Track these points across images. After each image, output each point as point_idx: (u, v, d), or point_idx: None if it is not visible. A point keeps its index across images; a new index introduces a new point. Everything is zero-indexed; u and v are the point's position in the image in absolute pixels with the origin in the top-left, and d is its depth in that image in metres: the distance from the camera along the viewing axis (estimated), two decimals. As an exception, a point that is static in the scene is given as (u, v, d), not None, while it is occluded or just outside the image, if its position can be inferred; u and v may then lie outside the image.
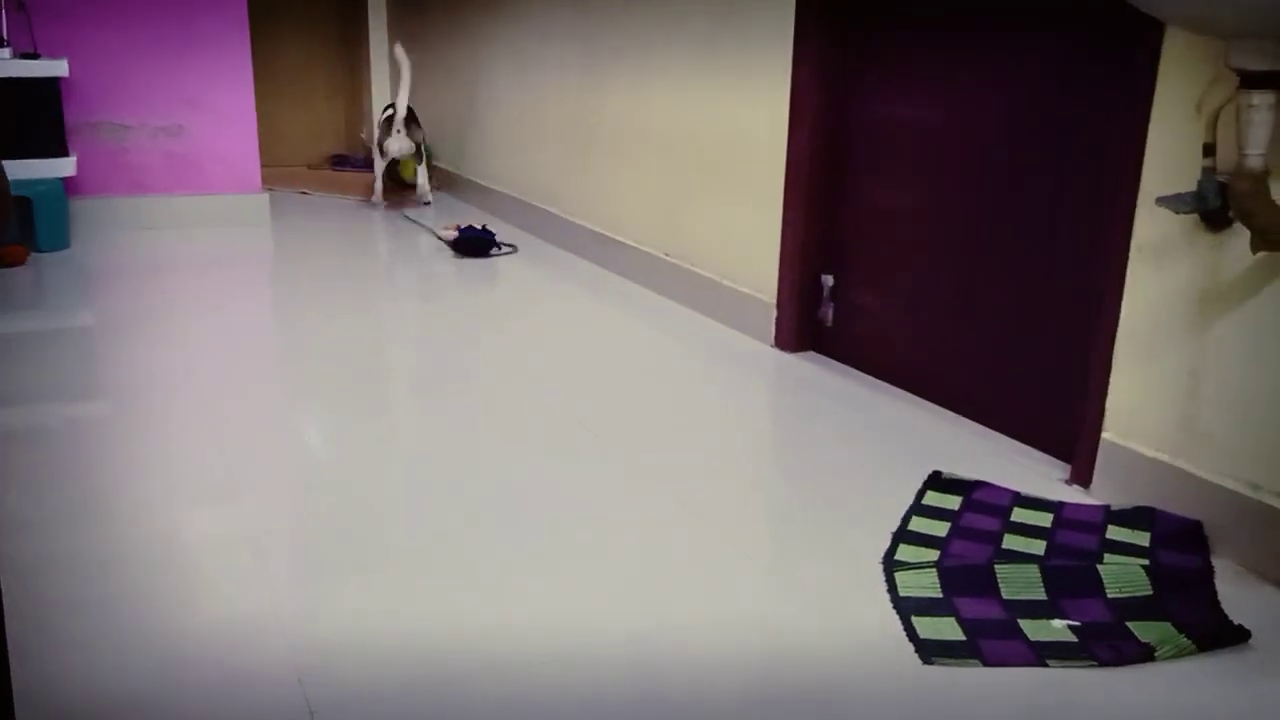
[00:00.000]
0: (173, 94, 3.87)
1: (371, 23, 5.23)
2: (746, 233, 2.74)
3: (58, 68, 3.34)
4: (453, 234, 3.75)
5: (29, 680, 1.21)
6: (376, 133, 4.75)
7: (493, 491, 1.82)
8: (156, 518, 1.67)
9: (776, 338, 2.67)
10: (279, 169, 5.13)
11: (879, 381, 2.47)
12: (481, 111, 4.38)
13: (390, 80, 5.14)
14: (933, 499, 1.85)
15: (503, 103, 4.15)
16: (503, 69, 4.11)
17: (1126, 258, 1.79)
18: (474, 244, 3.73)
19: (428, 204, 3.79)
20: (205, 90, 3.92)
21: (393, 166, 4.95)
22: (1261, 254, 1.56)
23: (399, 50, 4.59)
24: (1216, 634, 1.41)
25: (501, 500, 1.78)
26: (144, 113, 3.84)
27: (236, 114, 3.99)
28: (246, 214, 4.05)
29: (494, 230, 3.90)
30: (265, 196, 4.11)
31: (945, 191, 2.27)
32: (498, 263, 3.59)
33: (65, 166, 3.44)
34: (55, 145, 3.42)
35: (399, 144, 4.77)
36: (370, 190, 4.75)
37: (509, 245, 3.78)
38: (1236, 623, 1.43)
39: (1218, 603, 1.50)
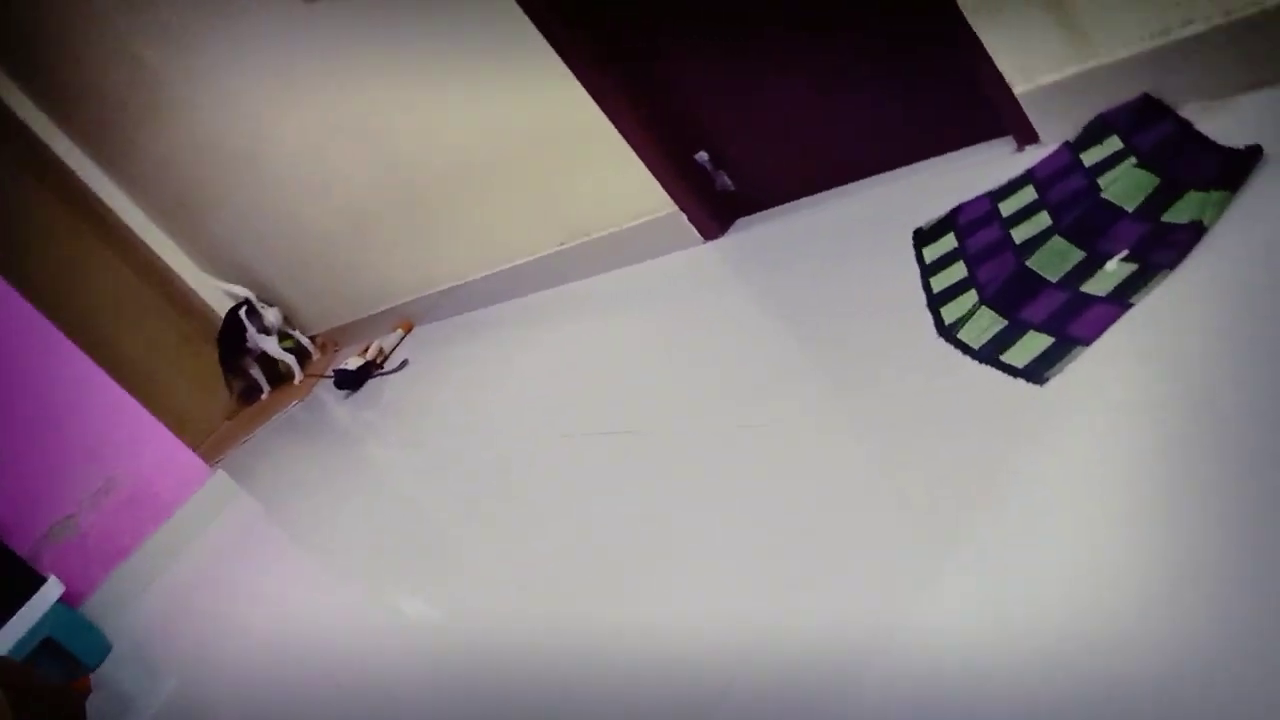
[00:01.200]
0: (75, 454, 3.81)
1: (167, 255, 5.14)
2: (607, 172, 2.73)
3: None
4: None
5: None
6: (249, 328, 4.70)
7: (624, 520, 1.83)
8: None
9: (701, 233, 2.67)
10: (211, 442, 5.06)
11: (811, 197, 2.48)
12: (295, 243, 4.32)
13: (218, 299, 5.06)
14: (931, 252, 1.87)
15: (305, 222, 4.10)
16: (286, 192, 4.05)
17: (916, -55, 1.79)
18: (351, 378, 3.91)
19: (404, 365, 3.78)
20: (97, 430, 3.86)
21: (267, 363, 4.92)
22: None
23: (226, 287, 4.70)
24: (1236, 168, 1.44)
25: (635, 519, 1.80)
26: (73, 492, 3.79)
27: (138, 433, 3.94)
28: (216, 501, 4.01)
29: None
30: (220, 475, 4.07)
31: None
32: (458, 370, 3.57)
33: (53, 590, 3.40)
34: (30, 583, 3.37)
35: (273, 314, 4.72)
36: (298, 390, 4.69)
37: (395, 365, 3.84)
38: (1243, 146, 1.46)
39: (1216, 144, 1.53)
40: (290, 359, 4.77)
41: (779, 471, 1.64)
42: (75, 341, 3.93)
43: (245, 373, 5.00)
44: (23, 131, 4.79)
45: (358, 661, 2.15)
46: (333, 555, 2.83)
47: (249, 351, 4.84)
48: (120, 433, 3.90)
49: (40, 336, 3.81)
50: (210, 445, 4.91)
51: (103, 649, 3.45)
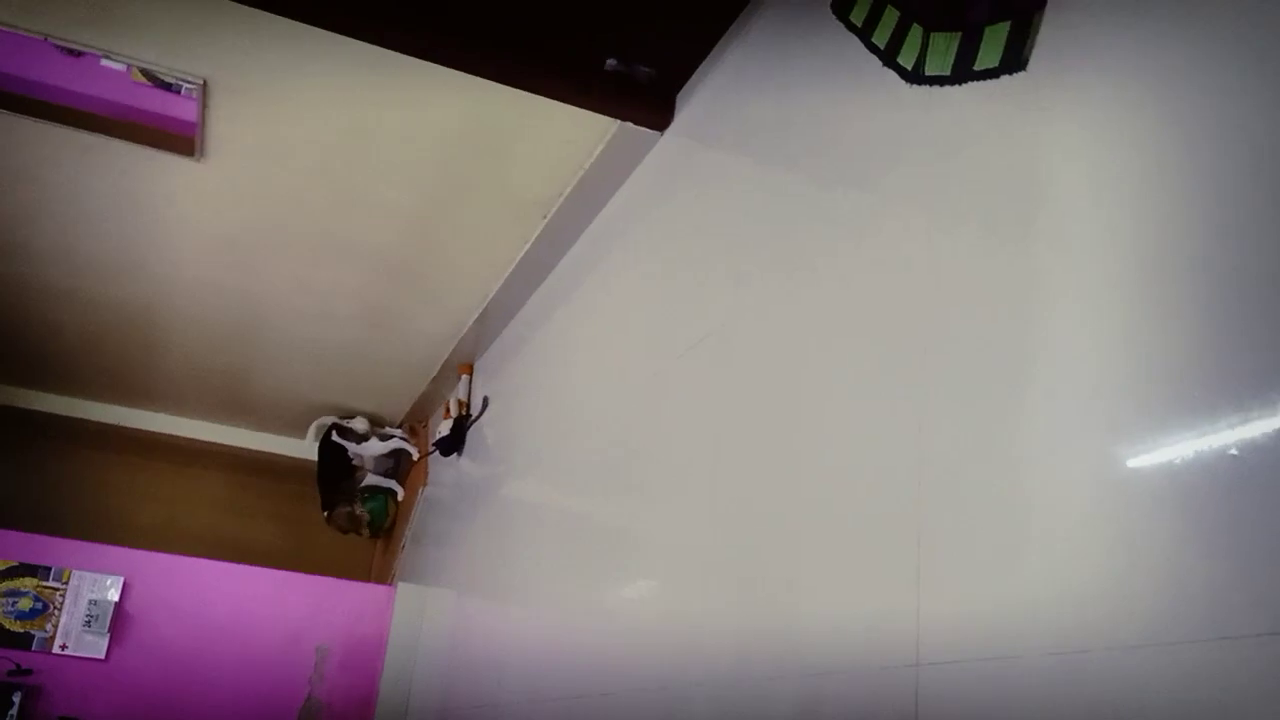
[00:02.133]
0: (280, 649, 3.99)
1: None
2: (539, 133, 2.72)
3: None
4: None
5: None
6: (347, 447, 4.75)
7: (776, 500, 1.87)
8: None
9: (654, 128, 2.64)
10: (376, 566, 5.25)
11: (724, 37, 2.43)
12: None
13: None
14: (858, 14, 1.83)
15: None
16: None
17: None
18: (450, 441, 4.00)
19: (486, 404, 3.93)
20: (284, 618, 4.03)
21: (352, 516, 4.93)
22: None
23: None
24: None
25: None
26: (298, 680, 3.98)
27: (317, 597, 4.11)
28: (413, 609, 4.16)
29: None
30: (402, 587, 4.22)
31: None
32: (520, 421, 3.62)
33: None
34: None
35: (360, 423, 4.74)
36: (416, 477, 4.80)
37: (479, 409, 3.90)
38: None
39: None
40: (393, 483, 4.89)
41: (870, 297, 1.65)
42: (216, 558, 4.11)
43: (354, 499, 5.00)
44: (54, 421, 4.95)
45: (623, 660, 2.24)
46: (540, 591, 2.92)
47: (357, 471, 4.89)
48: (304, 607, 4.08)
49: (191, 573, 3.99)
50: (378, 569, 5.09)
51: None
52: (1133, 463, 1.07)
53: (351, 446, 4.77)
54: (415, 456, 4.79)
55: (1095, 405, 1.13)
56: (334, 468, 4.86)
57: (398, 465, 4.96)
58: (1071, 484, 1.13)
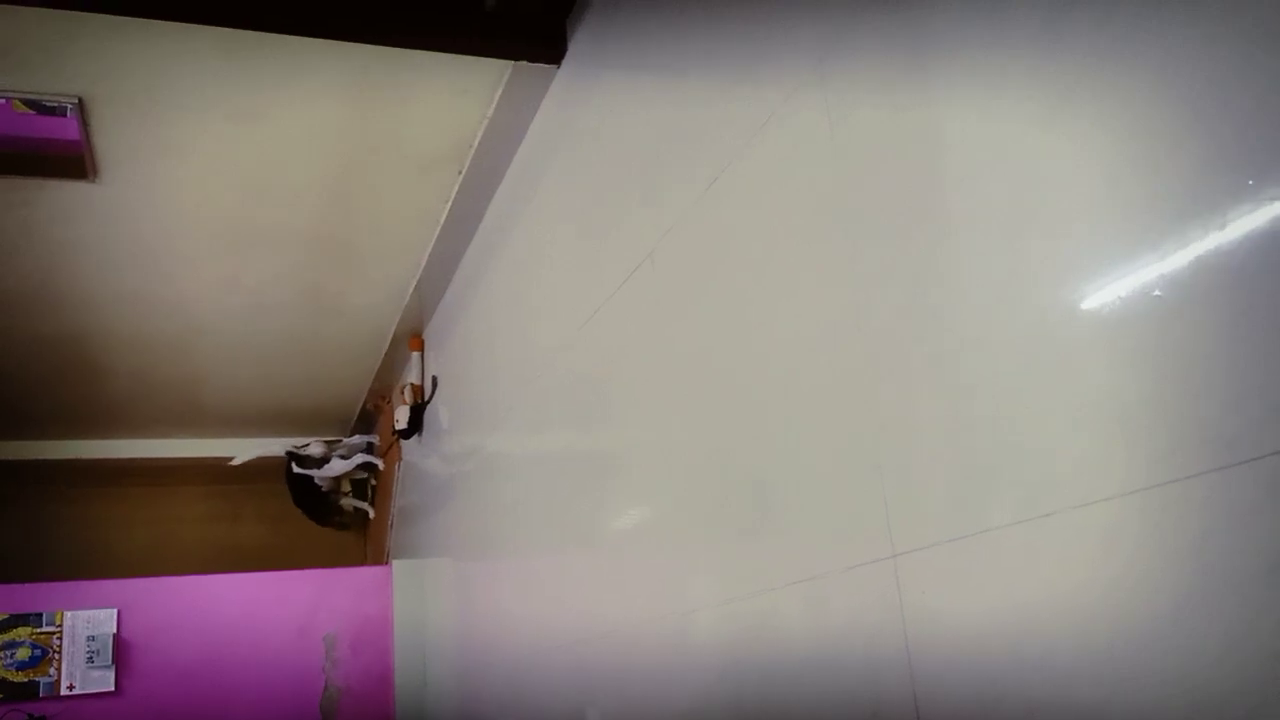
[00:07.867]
0: (290, 643, 4.00)
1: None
2: (428, 91, 2.65)
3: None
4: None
5: None
6: (312, 475, 4.74)
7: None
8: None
9: (548, 61, 2.57)
10: (371, 549, 5.24)
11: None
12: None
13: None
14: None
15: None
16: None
17: None
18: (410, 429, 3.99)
19: (435, 383, 3.87)
20: (289, 615, 4.03)
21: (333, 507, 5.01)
22: None
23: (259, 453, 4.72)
24: None
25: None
26: (312, 670, 4.00)
27: (318, 588, 4.11)
28: (412, 582, 4.18)
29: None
30: (397, 563, 4.23)
31: None
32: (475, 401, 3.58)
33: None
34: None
35: (317, 447, 4.78)
36: (390, 461, 4.79)
37: (430, 390, 3.90)
38: None
39: None
40: (364, 504, 5.01)
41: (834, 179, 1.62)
42: (212, 571, 4.09)
43: (338, 512, 5.09)
44: (17, 468, 4.89)
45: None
46: (533, 542, 2.93)
47: (331, 492, 4.97)
48: (304, 601, 4.08)
49: (184, 591, 3.97)
50: (373, 552, 5.09)
51: (440, 750, 3.69)
52: (1085, 305, 1.05)
53: (316, 475, 4.80)
54: (381, 466, 4.83)
55: (1025, 253, 1.12)
56: (307, 494, 4.90)
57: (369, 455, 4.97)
58: (1010, 331, 1.13)
